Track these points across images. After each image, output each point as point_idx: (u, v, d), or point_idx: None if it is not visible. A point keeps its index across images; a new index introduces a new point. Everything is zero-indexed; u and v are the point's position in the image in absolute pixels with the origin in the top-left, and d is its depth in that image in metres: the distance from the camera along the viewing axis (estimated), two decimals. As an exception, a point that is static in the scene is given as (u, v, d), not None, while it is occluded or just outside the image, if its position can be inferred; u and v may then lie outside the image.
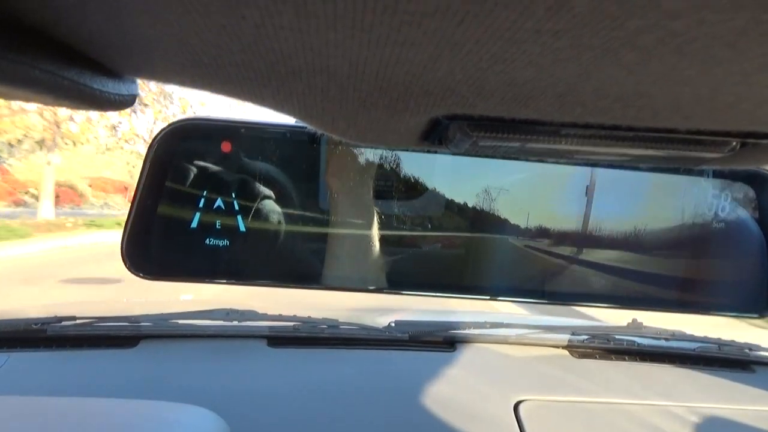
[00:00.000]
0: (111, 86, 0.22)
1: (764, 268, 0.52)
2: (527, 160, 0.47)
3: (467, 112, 0.24)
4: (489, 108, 0.23)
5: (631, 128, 0.25)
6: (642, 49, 0.15)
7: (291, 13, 0.15)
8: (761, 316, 0.51)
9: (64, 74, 0.19)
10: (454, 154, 0.45)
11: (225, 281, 0.50)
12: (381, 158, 0.51)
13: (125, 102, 0.24)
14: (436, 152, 0.48)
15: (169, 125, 0.46)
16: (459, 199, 0.52)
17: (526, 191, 0.52)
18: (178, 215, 0.48)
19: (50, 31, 0.18)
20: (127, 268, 0.47)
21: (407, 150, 0.49)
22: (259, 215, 0.49)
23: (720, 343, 1.20)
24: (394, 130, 0.27)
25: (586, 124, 0.24)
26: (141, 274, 0.48)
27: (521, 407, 0.93)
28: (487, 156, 0.45)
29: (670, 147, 0.26)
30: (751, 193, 0.51)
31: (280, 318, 1.16)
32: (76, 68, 0.20)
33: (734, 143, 0.26)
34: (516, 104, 0.22)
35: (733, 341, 1.22)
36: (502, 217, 0.52)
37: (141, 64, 0.22)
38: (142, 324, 1.09)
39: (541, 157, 0.30)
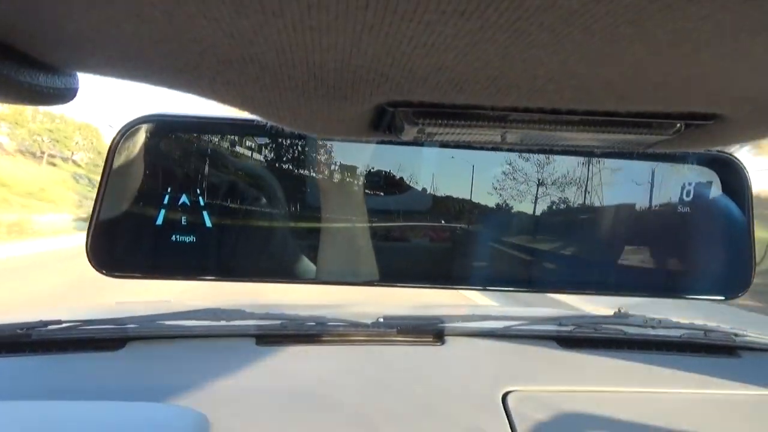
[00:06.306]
0: (43, 79, 0.22)
1: (728, 251, 0.52)
2: (482, 148, 0.48)
3: (407, 98, 0.24)
4: (427, 94, 0.23)
5: (571, 111, 0.25)
6: (549, 28, 0.16)
7: None
8: (726, 299, 0.52)
9: None
10: (414, 144, 0.45)
11: (193, 278, 0.50)
12: (368, 154, 0.51)
13: (62, 96, 0.23)
14: (392, 143, 0.48)
15: (132, 121, 0.46)
16: (447, 194, 0.52)
17: (511, 185, 0.52)
18: (142, 212, 0.47)
19: None
20: (92, 266, 0.47)
21: (366, 141, 0.49)
22: (227, 211, 0.48)
23: (706, 330, 1.20)
24: (340, 120, 0.27)
25: (526, 108, 0.24)
26: (104, 272, 0.47)
27: (509, 398, 0.94)
28: (444, 145, 0.45)
29: (613, 130, 0.26)
30: (716, 178, 0.51)
31: (267, 316, 1.15)
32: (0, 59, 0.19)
33: (678, 125, 0.26)
34: (451, 89, 0.22)
35: (718, 327, 1.23)
36: (489, 210, 0.52)
37: (70, 57, 0.21)
38: (128, 326, 1.09)
39: (494, 144, 0.30)
